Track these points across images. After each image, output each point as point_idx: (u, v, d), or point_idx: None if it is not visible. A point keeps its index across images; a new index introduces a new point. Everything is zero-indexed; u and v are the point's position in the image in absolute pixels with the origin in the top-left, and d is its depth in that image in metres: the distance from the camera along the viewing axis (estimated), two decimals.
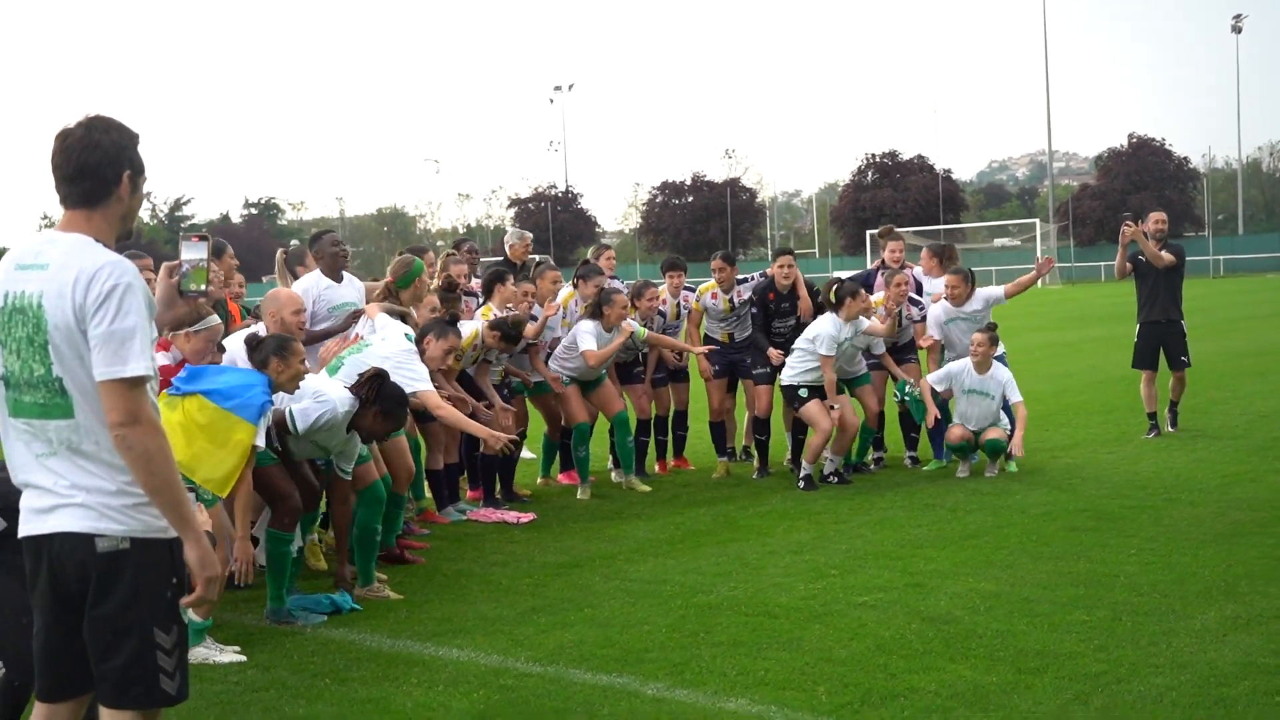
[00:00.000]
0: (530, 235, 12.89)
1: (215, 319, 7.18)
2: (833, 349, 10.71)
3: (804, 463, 10.90)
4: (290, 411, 7.23)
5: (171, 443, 6.52)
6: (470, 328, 9.71)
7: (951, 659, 6.13)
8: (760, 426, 11.62)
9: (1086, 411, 14.65)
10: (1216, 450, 11.80)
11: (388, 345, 8.21)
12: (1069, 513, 9.33)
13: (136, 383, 3.59)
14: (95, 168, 3.71)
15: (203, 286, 4.41)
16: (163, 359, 7.27)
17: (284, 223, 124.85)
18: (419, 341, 8.46)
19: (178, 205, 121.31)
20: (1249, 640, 6.24)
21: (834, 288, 11.04)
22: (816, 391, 10.84)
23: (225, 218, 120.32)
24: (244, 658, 6.52)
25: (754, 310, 11.64)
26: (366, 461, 7.90)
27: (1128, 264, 13.07)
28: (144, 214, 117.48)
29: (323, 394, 7.31)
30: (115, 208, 3.78)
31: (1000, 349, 11.25)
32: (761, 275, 11.93)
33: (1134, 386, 14.79)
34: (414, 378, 8.05)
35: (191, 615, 6.37)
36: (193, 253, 4.35)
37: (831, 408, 10.69)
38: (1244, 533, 8.46)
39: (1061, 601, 7.03)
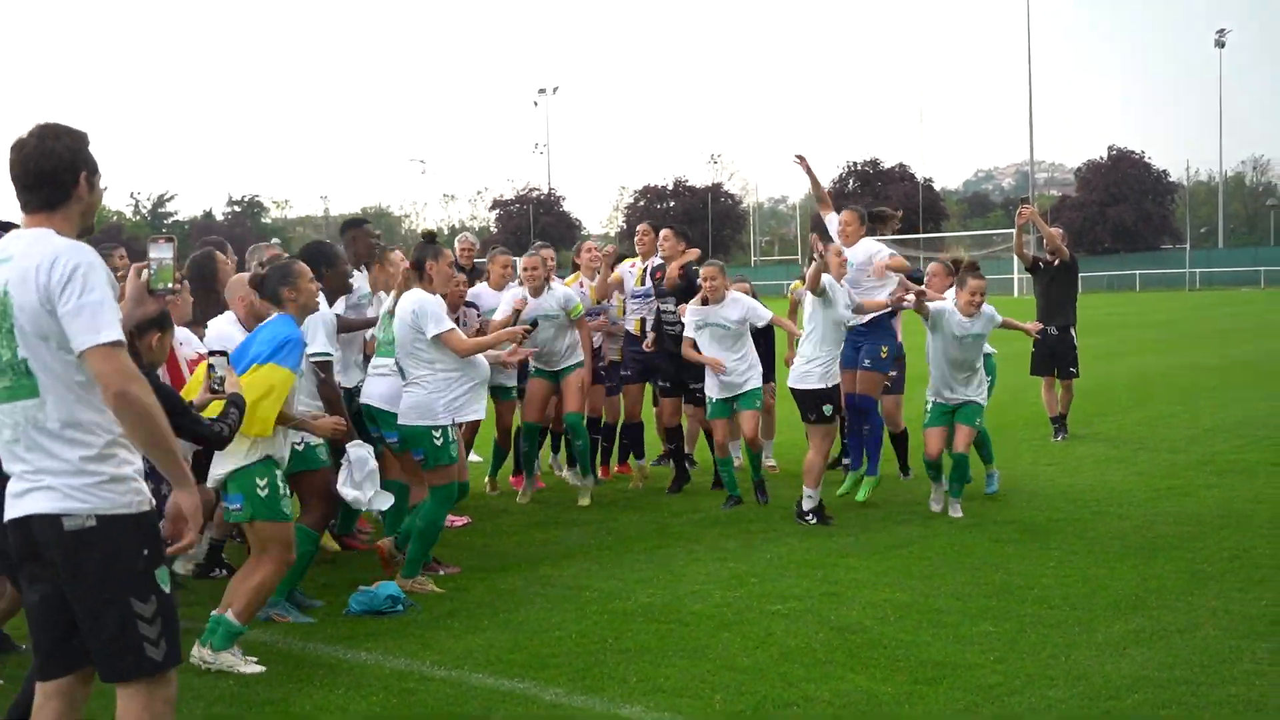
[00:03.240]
0: (472, 238, 12.91)
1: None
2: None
3: (807, 491, 9.70)
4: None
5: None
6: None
7: (852, 668, 6.19)
8: (671, 435, 11.50)
9: (1036, 423, 14.71)
10: (1155, 463, 11.89)
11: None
12: (997, 524, 9.40)
13: (118, 345, 3.82)
14: (52, 174, 3.97)
15: (170, 284, 4.73)
16: None
17: (268, 221, 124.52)
18: (421, 269, 8.14)
19: (160, 201, 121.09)
20: (1147, 654, 6.31)
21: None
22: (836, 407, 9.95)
23: (208, 215, 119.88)
24: (262, 668, 6.46)
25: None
26: (454, 463, 8.00)
27: (1027, 253, 14.07)
28: (127, 210, 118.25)
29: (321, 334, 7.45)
30: (75, 207, 4.04)
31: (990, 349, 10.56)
32: None
33: (1086, 399, 14.99)
34: (438, 322, 7.94)
35: (230, 618, 6.47)
36: (160, 252, 4.67)
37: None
38: (1163, 547, 8.53)
39: (971, 613, 7.09)
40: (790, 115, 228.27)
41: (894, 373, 10.92)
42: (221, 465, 6.49)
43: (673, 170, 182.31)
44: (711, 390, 10.49)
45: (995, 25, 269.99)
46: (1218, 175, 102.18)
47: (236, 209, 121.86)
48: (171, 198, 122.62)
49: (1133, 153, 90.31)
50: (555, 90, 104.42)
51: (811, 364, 9.80)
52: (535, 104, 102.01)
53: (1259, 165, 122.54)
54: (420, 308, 7.92)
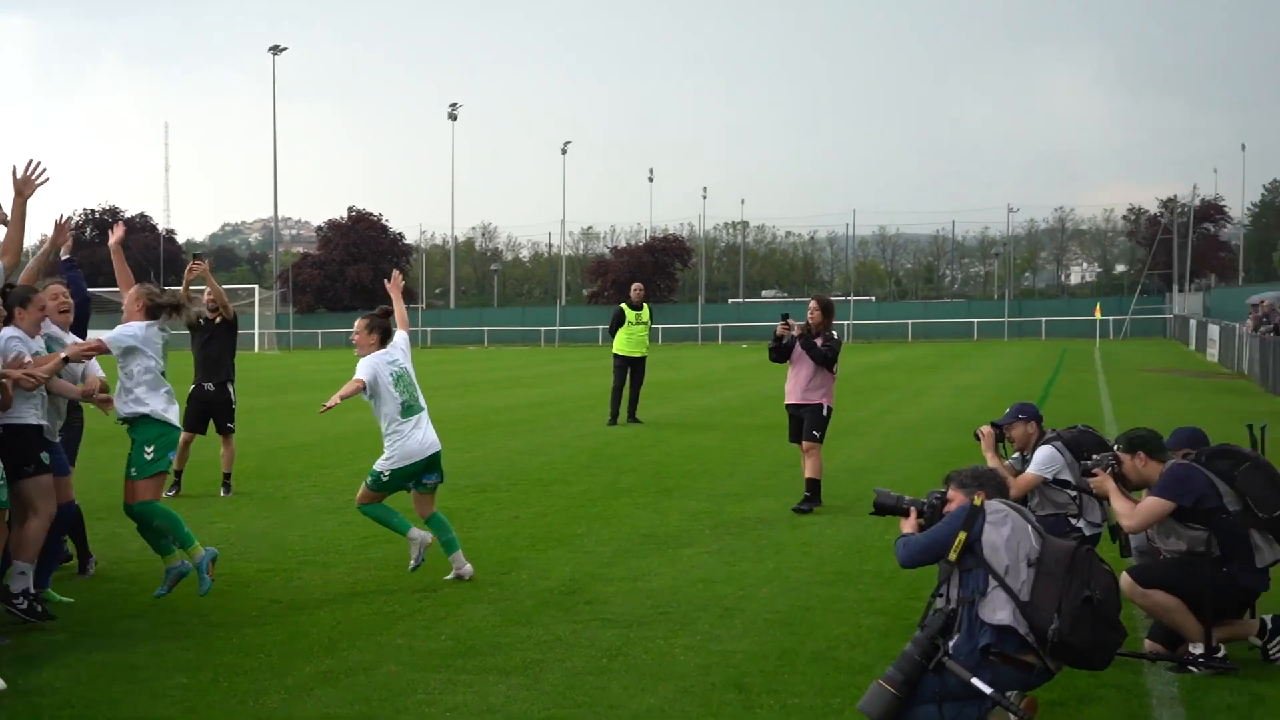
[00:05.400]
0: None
1: None
2: None
3: None
4: None
5: None
6: None
7: None
8: None
9: (259, 477, 14.96)
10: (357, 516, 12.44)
11: None
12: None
13: None
14: None
15: None
16: None
17: None
18: None
19: None
20: (332, 693, 6.70)
21: None
22: None
23: None
24: None
25: None
26: None
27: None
28: None
29: None
30: None
31: None
32: None
33: (296, 455, 15.37)
34: None
35: None
36: None
37: None
38: (363, 592, 9.05)
39: (167, 667, 7.17)
40: None
41: None
42: None
43: None
44: None
45: (246, 82, 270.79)
46: (450, 240, 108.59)
47: None
48: None
49: (371, 214, 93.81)
50: None
51: None
52: None
53: (487, 232, 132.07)
54: None
